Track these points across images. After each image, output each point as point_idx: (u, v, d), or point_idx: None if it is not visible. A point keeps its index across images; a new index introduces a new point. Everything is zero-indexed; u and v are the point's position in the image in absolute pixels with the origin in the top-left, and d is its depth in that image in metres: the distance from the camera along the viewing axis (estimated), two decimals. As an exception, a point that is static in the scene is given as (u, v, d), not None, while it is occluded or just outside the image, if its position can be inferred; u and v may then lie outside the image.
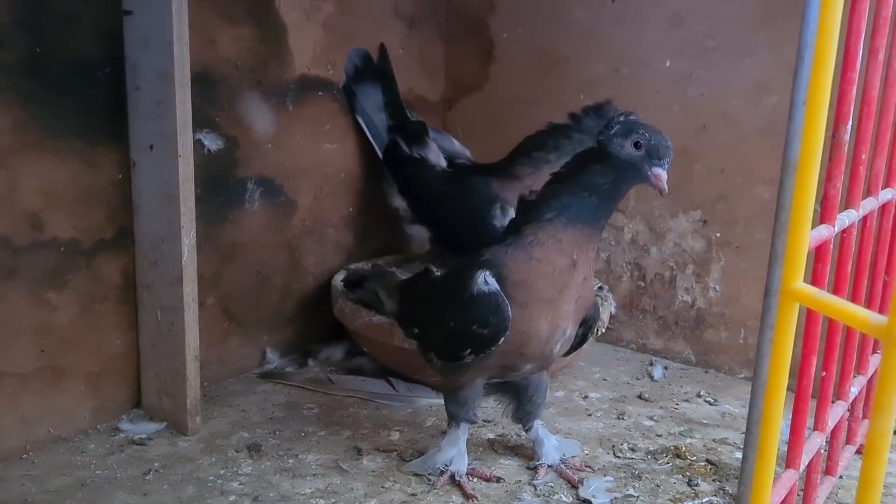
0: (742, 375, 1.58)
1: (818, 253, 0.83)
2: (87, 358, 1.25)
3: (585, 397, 1.47)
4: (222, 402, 1.39)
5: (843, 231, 0.91)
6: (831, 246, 0.85)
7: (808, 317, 0.87)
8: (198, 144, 1.32)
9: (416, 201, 1.62)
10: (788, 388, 0.57)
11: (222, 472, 1.15)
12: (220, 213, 1.43)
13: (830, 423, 0.98)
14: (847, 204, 0.91)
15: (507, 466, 1.20)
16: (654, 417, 1.39)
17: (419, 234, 1.67)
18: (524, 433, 1.22)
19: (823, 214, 0.83)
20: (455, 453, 1.14)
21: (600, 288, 1.63)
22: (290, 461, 1.19)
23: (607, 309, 1.51)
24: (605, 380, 1.56)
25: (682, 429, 1.35)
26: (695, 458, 1.24)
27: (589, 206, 1.01)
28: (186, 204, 1.19)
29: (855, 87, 0.81)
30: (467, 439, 1.17)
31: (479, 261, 1.07)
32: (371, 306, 1.43)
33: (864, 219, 0.99)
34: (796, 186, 0.47)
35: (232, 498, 1.08)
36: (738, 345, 1.59)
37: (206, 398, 1.37)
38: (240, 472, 1.15)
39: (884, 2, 0.82)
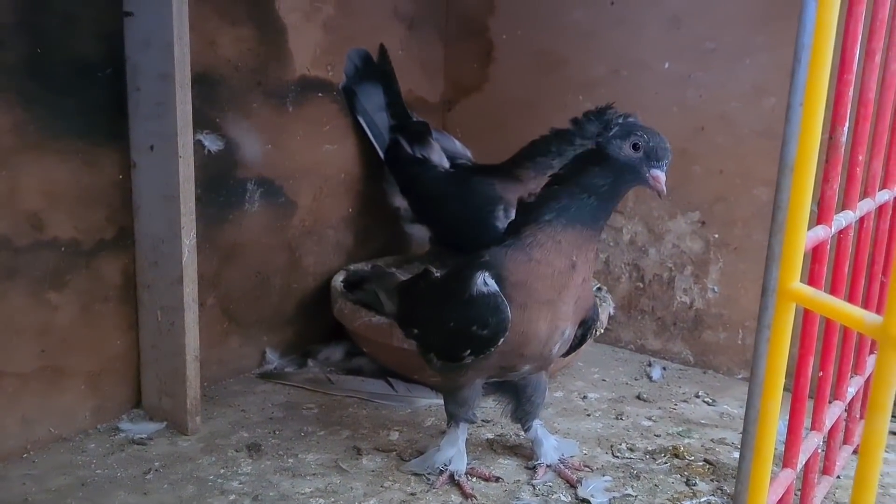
0: (740, 376, 1.59)
1: (815, 254, 0.84)
2: (87, 358, 1.25)
3: (584, 397, 1.47)
4: (222, 402, 1.39)
5: (840, 232, 0.91)
6: (828, 247, 0.85)
7: (805, 317, 0.87)
8: (198, 145, 1.33)
9: (418, 201, 1.62)
10: (785, 389, 0.57)
11: (222, 471, 1.15)
12: (220, 214, 1.43)
13: (828, 423, 0.98)
14: (844, 205, 0.91)
15: (506, 466, 1.21)
16: (653, 418, 1.39)
17: (419, 233, 1.67)
18: (523, 433, 1.23)
19: (820, 215, 0.84)
20: (454, 453, 1.15)
21: (599, 289, 1.63)
22: (290, 461, 1.19)
23: (606, 310, 1.52)
24: (603, 380, 1.57)
25: (680, 429, 1.35)
26: (693, 457, 1.24)
27: (588, 208, 1.02)
28: (186, 204, 1.20)
29: (852, 89, 0.81)
30: (466, 439, 1.17)
31: (479, 262, 1.07)
32: (371, 307, 1.43)
33: (861, 220, 0.99)
34: (793, 187, 0.47)
35: (232, 497, 1.08)
36: (737, 345, 1.59)
37: (206, 398, 1.37)
38: (240, 471, 1.15)
39: (880, 4, 0.82)
